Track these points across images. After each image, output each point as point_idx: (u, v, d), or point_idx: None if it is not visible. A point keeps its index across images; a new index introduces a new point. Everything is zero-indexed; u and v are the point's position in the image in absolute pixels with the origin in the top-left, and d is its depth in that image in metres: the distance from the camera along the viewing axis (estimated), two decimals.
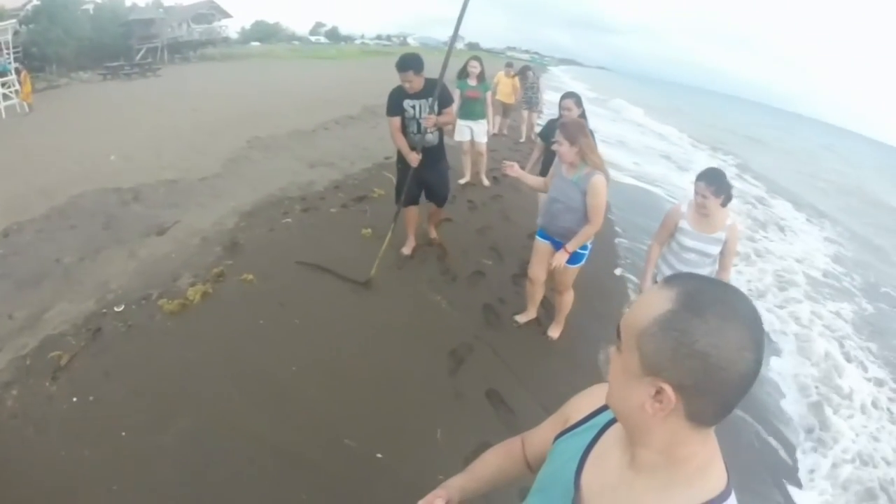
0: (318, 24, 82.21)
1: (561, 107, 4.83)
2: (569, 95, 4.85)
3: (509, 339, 4.39)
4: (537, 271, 4.29)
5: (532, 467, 1.33)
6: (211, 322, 4.21)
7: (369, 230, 5.70)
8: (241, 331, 4.12)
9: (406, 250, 5.53)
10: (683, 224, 3.64)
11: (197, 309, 4.36)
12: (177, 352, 3.89)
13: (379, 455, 3.14)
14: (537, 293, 4.53)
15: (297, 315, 4.32)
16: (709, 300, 0.80)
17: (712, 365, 0.77)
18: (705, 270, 3.63)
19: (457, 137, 7.53)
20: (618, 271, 6.19)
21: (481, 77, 7.45)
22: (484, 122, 7.57)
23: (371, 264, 4.98)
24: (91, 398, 3.51)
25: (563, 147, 3.67)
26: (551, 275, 4.16)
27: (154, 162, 8.51)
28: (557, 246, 4.00)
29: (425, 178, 4.98)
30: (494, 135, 11.36)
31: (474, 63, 7.38)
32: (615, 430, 1.02)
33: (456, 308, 4.68)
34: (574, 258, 3.98)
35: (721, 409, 0.83)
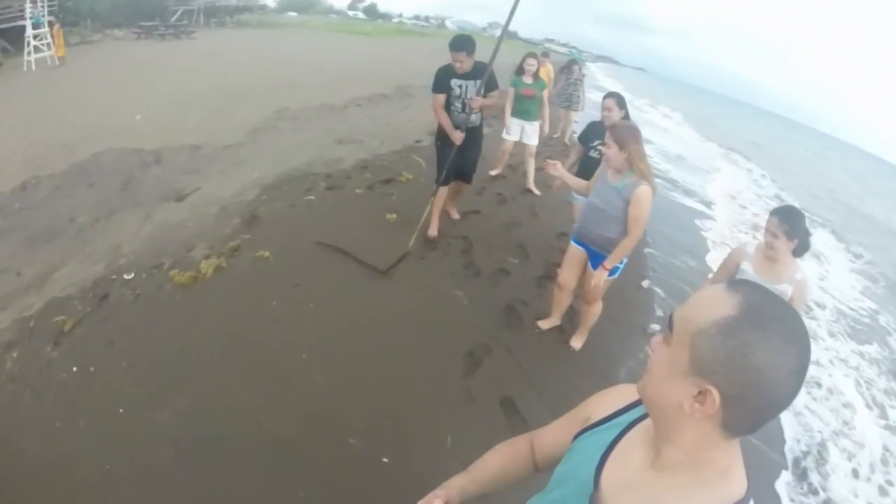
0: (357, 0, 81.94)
1: (602, 107, 4.57)
2: (610, 95, 4.58)
3: (529, 345, 4.16)
4: (567, 277, 4.06)
5: (539, 467, 1.33)
6: (221, 298, 4.05)
7: (394, 215, 5.49)
8: (252, 310, 3.95)
9: (432, 231, 5.48)
10: (745, 266, 3.22)
11: (208, 283, 4.20)
12: (183, 326, 3.75)
13: (385, 459, 2.96)
14: (564, 300, 4.30)
15: (312, 298, 4.13)
16: (773, 317, 0.80)
17: (764, 382, 0.78)
18: None
19: (505, 135, 7.21)
20: (645, 283, 5.93)
21: (537, 75, 7.01)
22: (537, 123, 7.16)
23: (393, 251, 4.81)
24: (92, 369, 3.41)
25: (610, 150, 3.44)
26: (580, 283, 3.95)
27: (179, 125, 8.38)
28: (592, 253, 3.81)
29: (463, 156, 5.02)
30: None
31: (531, 61, 6.92)
32: (640, 429, 1.02)
33: (476, 306, 4.46)
34: (609, 271, 3.75)
35: (754, 425, 0.83)
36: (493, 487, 1.36)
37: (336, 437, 3.07)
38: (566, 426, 1.23)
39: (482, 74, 4.60)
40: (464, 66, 4.64)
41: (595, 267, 3.77)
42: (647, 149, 3.73)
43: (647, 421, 0.99)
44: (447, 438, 3.16)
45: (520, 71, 6.98)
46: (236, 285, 4.21)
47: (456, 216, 5.97)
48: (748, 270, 3.15)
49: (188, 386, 3.28)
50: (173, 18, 29.35)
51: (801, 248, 3.03)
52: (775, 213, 3.01)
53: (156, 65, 14.27)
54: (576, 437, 1.14)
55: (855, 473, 4.33)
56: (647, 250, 6.94)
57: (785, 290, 3.00)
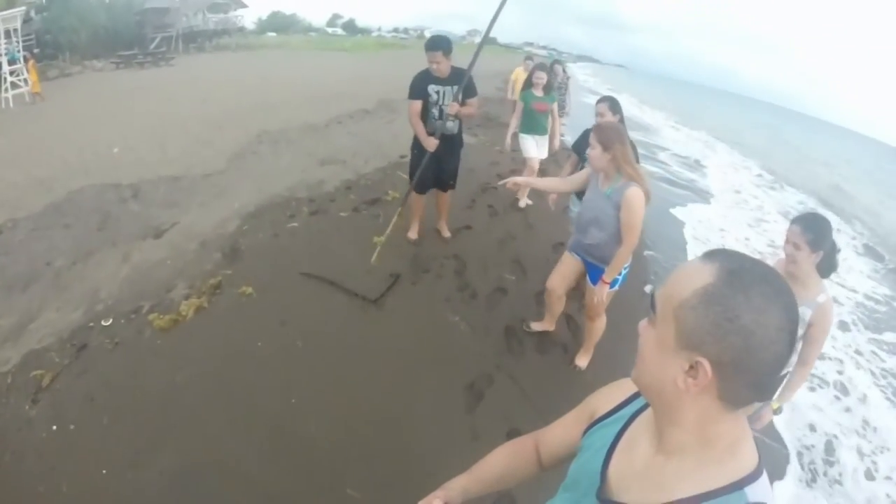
0: (336, 16, 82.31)
1: (595, 112, 4.33)
2: (604, 100, 4.33)
3: (532, 369, 3.94)
4: (556, 282, 3.87)
5: (545, 466, 1.33)
6: (204, 341, 3.82)
7: (382, 238, 5.27)
8: (237, 353, 3.71)
9: (412, 235, 5.50)
10: None
11: (189, 325, 3.97)
12: (165, 374, 3.50)
13: None
14: (555, 305, 4.10)
15: (299, 336, 3.90)
16: (753, 278, 0.79)
17: (753, 343, 0.77)
18: None
19: (526, 153, 6.83)
20: (648, 289, 5.72)
21: (548, 88, 6.60)
22: (547, 137, 6.84)
23: (383, 277, 4.59)
24: (72, 427, 3.17)
25: (594, 152, 3.25)
26: (582, 295, 3.75)
27: (158, 156, 8.15)
28: (589, 266, 3.62)
29: (440, 165, 4.92)
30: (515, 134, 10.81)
31: (540, 74, 6.48)
32: (643, 419, 1.02)
33: (475, 331, 4.24)
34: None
35: (753, 391, 0.83)
36: (497, 487, 1.37)
37: (333, 488, 2.84)
38: (571, 423, 1.23)
39: (461, 80, 4.46)
40: (441, 69, 4.49)
41: (594, 281, 3.59)
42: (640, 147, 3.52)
43: (650, 409, 0.97)
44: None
45: (527, 85, 6.63)
46: (219, 326, 3.97)
47: (447, 234, 5.76)
48: None
49: (173, 441, 3.05)
50: (152, 46, 29.25)
51: (826, 266, 2.63)
52: (797, 221, 2.64)
53: (134, 95, 14.05)
54: (585, 433, 1.14)
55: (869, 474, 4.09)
56: (647, 253, 6.74)
57: (803, 313, 2.59)
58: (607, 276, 3.45)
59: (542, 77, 6.42)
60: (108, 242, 5.32)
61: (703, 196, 11.96)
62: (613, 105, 4.27)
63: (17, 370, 3.64)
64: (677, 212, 9.84)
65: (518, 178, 3.60)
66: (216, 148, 8.71)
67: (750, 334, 0.76)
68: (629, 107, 21.81)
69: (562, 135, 8.10)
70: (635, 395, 1.08)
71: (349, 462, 2.99)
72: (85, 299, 4.41)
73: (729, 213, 11.24)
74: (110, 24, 27.45)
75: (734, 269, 0.80)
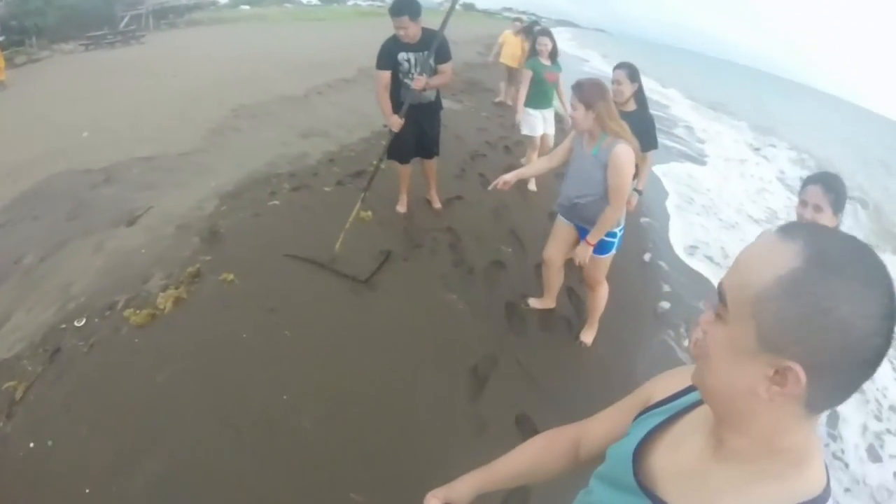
0: None
1: (612, 80, 4.00)
2: (621, 66, 4.01)
3: (537, 348, 3.74)
4: (552, 253, 3.71)
5: (582, 462, 1.19)
6: (185, 336, 3.54)
7: (369, 213, 4.99)
8: (221, 346, 3.45)
9: (401, 208, 5.29)
10: None
11: (168, 320, 3.69)
12: (145, 375, 3.23)
13: None
14: (553, 279, 3.93)
15: (287, 325, 3.64)
16: (846, 258, 0.65)
17: (853, 338, 0.63)
18: None
19: (526, 131, 6.30)
20: (647, 257, 5.50)
21: (554, 55, 6.02)
22: (553, 111, 6.31)
23: (373, 255, 4.35)
24: (50, 442, 2.92)
25: (577, 112, 3.07)
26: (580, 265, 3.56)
27: (130, 136, 7.74)
28: (582, 231, 3.43)
29: (420, 132, 4.73)
30: (499, 103, 10.41)
31: (545, 40, 5.90)
32: (699, 414, 0.89)
33: (474, 310, 4.01)
34: (602, 247, 3.39)
35: (844, 394, 0.69)
36: (520, 483, 1.27)
37: (334, 492, 2.64)
38: (623, 412, 1.10)
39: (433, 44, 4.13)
40: (409, 34, 4.18)
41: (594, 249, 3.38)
42: None
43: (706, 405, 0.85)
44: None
45: (533, 52, 6.10)
46: (200, 318, 3.70)
47: (438, 205, 5.51)
48: None
49: (158, 447, 2.80)
50: (122, 25, 28.25)
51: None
52: (816, 180, 2.40)
53: (104, 76, 13.47)
54: (636, 418, 1.03)
55: None
56: (643, 220, 6.50)
57: None
58: (591, 237, 3.27)
59: (546, 43, 5.91)
60: (79, 232, 5.00)
61: (695, 158, 11.72)
62: (632, 73, 3.98)
63: None
64: (658, 169, 9.58)
65: (506, 177, 3.37)
66: (191, 125, 8.30)
67: (849, 328, 0.63)
68: (605, 69, 21.37)
69: None
70: (693, 387, 0.92)
71: (349, 461, 2.78)
72: (57, 297, 4.13)
73: (720, 175, 11.03)
74: (78, 4, 26.45)
75: (823, 247, 0.66)
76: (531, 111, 6.03)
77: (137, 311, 3.72)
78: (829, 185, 2.33)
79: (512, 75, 10.27)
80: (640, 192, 4.44)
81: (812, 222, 2.28)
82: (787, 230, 0.71)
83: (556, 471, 1.23)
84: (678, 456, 0.88)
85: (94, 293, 4.08)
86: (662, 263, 5.50)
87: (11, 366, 3.48)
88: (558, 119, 6.73)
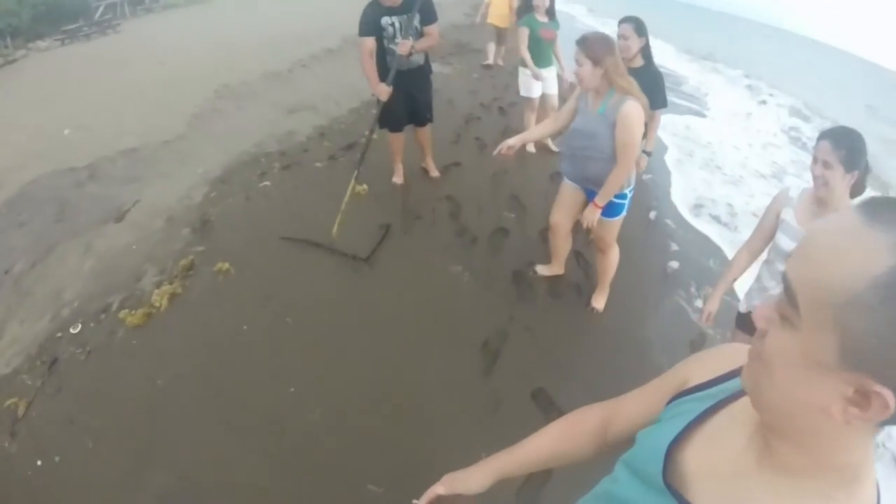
0: None
1: (617, 35, 3.73)
2: (627, 20, 3.75)
3: (548, 318, 3.60)
4: (559, 218, 3.54)
5: (610, 444, 1.08)
6: (183, 333, 3.42)
7: (364, 186, 4.79)
8: (221, 341, 3.33)
9: (397, 179, 5.11)
10: (786, 215, 2.39)
11: (165, 317, 3.56)
12: (145, 379, 3.12)
13: (415, 501, 2.41)
14: (560, 244, 3.77)
15: (288, 312, 3.51)
16: None
17: None
18: None
19: (523, 92, 5.84)
20: (652, 215, 5.30)
21: (552, 11, 5.50)
22: (555, 69, 5.83)
23: (372, 231, 4.22)
24: (57, 458, 2.82)
25: (583, 69, 2.89)
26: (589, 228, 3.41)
27: (112, 129, 7.49)
28: (588, 192, 3.28)
29: (411, 98, 4.52)
30: (488, 66, 10.04)
31: None
32: (743, 407, 0.74)
33: (481, 281, 3.85)
34: (611, 209, 3.22)
35: None
36: (545, 467, 1.19)
37: (350, 485, 2.53)
38: (655, 393, 0.97)
39: (417, 6, 3.96)
40: None
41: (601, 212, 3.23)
42: None
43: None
44: (481, 457, 2.59)
45: (527, 8, 5.58)
46: (197, 314, 3.56)
47: (435, 173, 5.31)
48: (789, 220, 2.37)
49: (165, 454, 2.71)
50: (97, 15, 27.66)
51: (858, 187, 2.23)
52: (827, 135, 2.18)
53: (82, 70, 13.10)
54: (669, 402, 0.90)
55: None
56: (645, 177, 6.29)
57: None
58: (599, 199, 3.10)
59: None
60: (67, 234, 4.84)
61: (695, 111, 11.38)
62: (639, 26, 3.73)
63: None
64: (674, 129, 9.29)
65: (510, 141, 3.20)
66: (174, 111, 8.05)
67: None
68: (593, 23, 20.71)
69: None
70: (737, 372, 0.79)
71: (363, 451, 2.68)
72: (50, 305, 4.00)
73: (721, 127, 10.64)
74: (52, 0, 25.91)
75: None
76: (526, 71, 5.67)
77: (133, 312, 3.59)
78: (838, 141, 2.14)
79: (500, 36, 9.80)
80: (648, 154, 4.23)
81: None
82: (877, 211, 0.55)
83: (583, 454, 1.12)
84: (714, 455, 0.75)
85: (87, 297, 3.95)
86: (669, 221, 5.32)
87: (10, 381, 3.38)
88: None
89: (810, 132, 10.94)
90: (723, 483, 0.72)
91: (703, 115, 11.17)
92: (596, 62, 2.84)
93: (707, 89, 14.11)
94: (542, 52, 5.56)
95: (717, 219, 6.12)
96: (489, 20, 9.27)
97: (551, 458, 1.15)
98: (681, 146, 8.54)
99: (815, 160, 2.19)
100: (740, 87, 15.36)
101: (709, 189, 7.02)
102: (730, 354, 0.88)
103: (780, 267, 2.37)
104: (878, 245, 0.52)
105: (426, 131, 4.98)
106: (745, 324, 2.64)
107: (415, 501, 1.15)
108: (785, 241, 2.36)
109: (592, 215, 3.16)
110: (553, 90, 5.90)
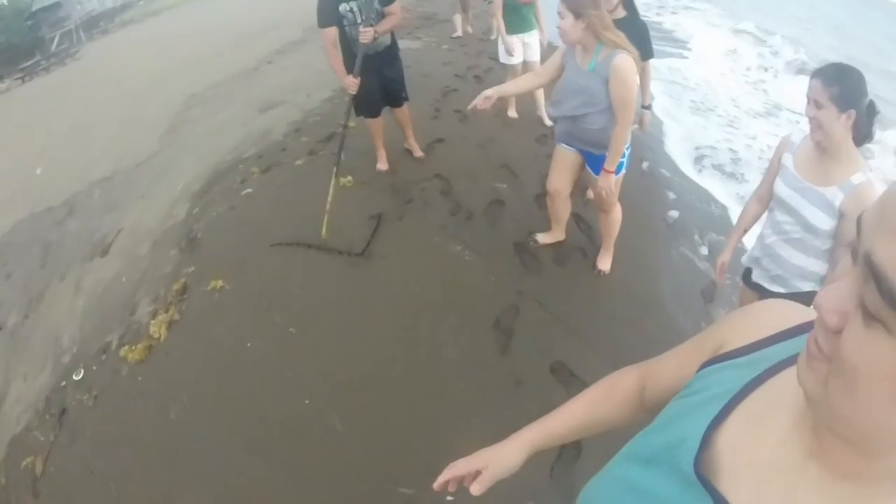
0: None
1: None
2: None
3: (556, 286, 3.50)
4: (558, 183, 3.41)
5: (648, 408, 0.97)
6: (187, 361, 3.31)
7: (349, 178, 4.64)
8: (227, 363, 3.21)
9: (381, 165, 4.93)
10: (787, 160, 2.24)
11: (166, 347, 3.45)
12: (157, 415, 3.02)
13: (449, 498, 2.31)
14: (560, 210, 3.65)
15: (290, 321, 3.39)
16: None
17: None
18: (802, 259, 2.24)
19: (503, 59, 5.64)
20: (645, 165, 5.14)
21: None
22: (536, 33, 5.52)
23: (363, 224, 4.09)
24: None
25: (565, 22, 2.76)
26: (584, 189, 3.30)
27: (84, 160, 7.40)
28: (588, 155, 3.16)
29: (384, 80, 4.39)
30: (457, 37, 9.78)
31: None
32: (789, 385, 0.58)
33: (482, 257, 3.73)
34: None
35: None
36: (582, 436, 1.08)
37: (380, 490, 2.45)
38: (690, 354, 0.86)
39: None
40: None
41: (597, 170, 3.12)
42: None
43: None
44: None
45: None
46: (199, 337, 3.45)
47: (419, 153, 5.15)
48: (788, 166, 2.21)
49: (192, 486, 2.63)
50: (53, 47, 27.36)
51: (862, 133, 2.00)
52: (817, 73, 2.00)
53: (46, 104, 12.94)
54: (701, 367, 0.78)
55: None
56: (633, 127, 6.15)
57: (833, 196, 2.02)
58: (609, 164, 2.99)
59: None
60: (55, 277, 4.74)
61: (676, 54, 11.09)
62: None
63: (7, 464, 3.24)
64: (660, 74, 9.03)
65: (487, 92, 3.01)
66: (144, 129, 7.89)
67: None
68: None
69: None
70: (786, 334, 0.71)
71: (389, 452, 2.59)
72: (49, 354, 3.93)
73: (707, 67, 10.33)
74: (3, 38, 25.52)
75: None
76: (509, 37, 5.44)
77: (133, 347, 3.49)
78: (829, 79, 1.95)
79: (464, 3, 9.55)
80: (648, 108, 4.08)
81: None
82: None
83: (620, 419, 1.05)
84: (753, 442, 0.63)
85: (85, 339, 3.88)
86: (663, 171, 5.18)
87: (23, 440, 3.33)
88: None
89: (809, 64, 10.33)
90: (762, 476, 0.60)
91: (685, 57, 10.91)
92: (578, 15, 2.71)
93: (683, 26, 13.81)
94: (520, 17, 5.32)
95: (720, 169, 5.94)
96: None
97: (586, 425, 1.07)
98: (670, 93, 8.35)
99: (808, 100, 2.02)
100: (717, 21, 14.99)
101: (705, 135, 6.83)
102: (774, 314, 0.76)
103: (779, 216, 2.26)
104: None
105: (404, 111, 4.82)
106: (751, 280, 2.53)
107: (449, 498, 1.08)
108: (782, 188, 2.23)
109: (608, 182, 3.06)
110: (535, 57, 5.63)
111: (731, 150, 6.40)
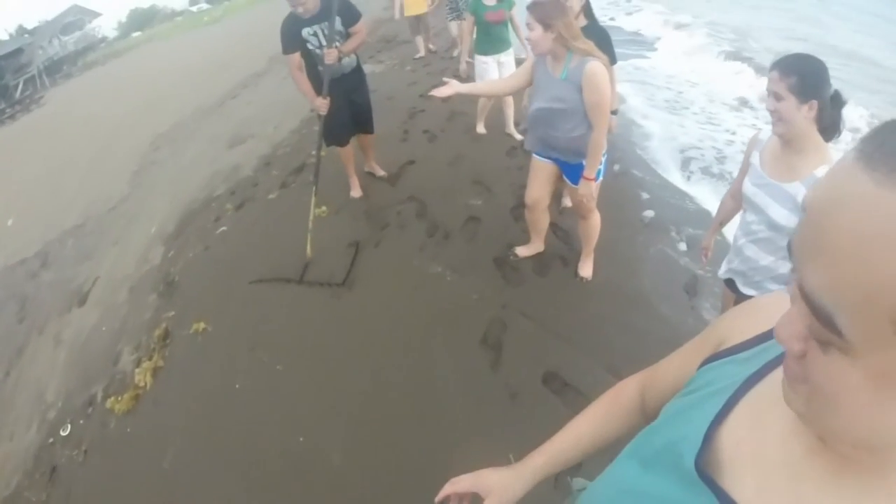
0: None
1: None
2: None
3: (540, 297, 3.50)
4: (537, 194, 3.43)
5: (651, 415, 0.94)
6: (176, 407, 3.26)
7: (323, 208, 4.63)
8: (217, 406, 3.17)
9: (354, 193, 4.92)
10: (754, 158, 2.17)
11: (153, 395, 3.40)
12: (150, 465, 2.96)
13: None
14: (540, 221, 3.67)
15: (277, 358, 3.36)
16: None
17: None
18: (770, 260, 2.17)
19: (479, 80, 5.40)
20: (616, 167, 5.18)
21: None
22: (512, 52, 5.37)
23: (342, 253, 4.08)
24: None
25: (534, 33, 2.78)
26: (559, 198, 3.31)
27: (55, 208, 7.29)
28: (564, 165, 3.18)
29: (352, 106, 4.40)
30: (420, 58, 9.75)
31: None
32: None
33: (464, 275, 3.73)
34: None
35: None
36: (591, 454, 1.05)
37: None
38: (691, 355, 0.85)
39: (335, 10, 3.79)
40: (308, 7, 3.81)
41: (574, 180, 3.14)
42: None
43: None
44: (509, 458, 2.49)
45: None
46: (186, 382, 3.41)
47: (382, 173, 5.18)
48: (755, 163, 2.15)
49: None
50: (17, 94, 27.11)
51: (827, 124, 1.93)
52: (775, 64, 1.92)
53: (13, 153, 12.74)
54: (702, 364, 0.78)
55: None
56: None
57: (797, 192, 1.95)
58: (589, 171, 3.01)
59: None
60: (34, 331, 4.66)
61: (641, 50, 11.22)
62: None
63: None
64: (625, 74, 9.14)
65: (453, 82, 2.93)
66: (113, 174, 7.82)
67: None
68: None
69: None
70: None
71: (393, 483, 2.55)
72: (34, 411, 3.85)
73: (673, 63, 10.40)
74: None
75: None
76: (482, 58, 5.34)
77: (119, 398, 3.44)
78: (786, 69, 1.88)
79: (423, 24, 9.43)
80: (615, 113, 4.10)
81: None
82: (878, 156, 0.41)
83: (626, 430, 1.03)
84: (756, 437, 0.62)
85: (69, 393, 3.81)
86: (636, 172, 5.22)
87: (15, 502, 3.23)
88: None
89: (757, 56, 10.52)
90: (767, 469, 0.60)
91: (647, 57, 11.03)
92: (547, 26, 2.75)
93: (646, 29, 13.97)
94: (492, 37, 5.21)
95: (708, 172, 5.92)
96: (407, 13, 8.94)
97: (593, 445, 1.05)
98: (640, 92, 8.41)
99: (768, 94, 1.96)
100: (676, 21, 15.11)
101: (686, 134, 6.84)
102: (773, 308, 0.74)
103: (748, 216, 2.22)
104: None
105: (371, 138, 4.86)
106: (731, 283, 2.46)
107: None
108: (748, 187, 2.18)
109: (588, 189, 3.07)
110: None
111: (714, 147, 6.41)
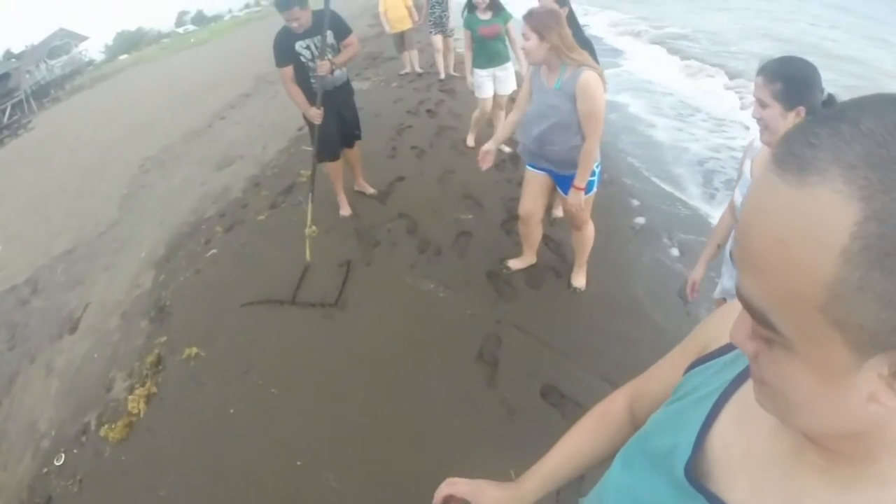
0: (182, 14, 77.29)
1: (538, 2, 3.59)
2: None
3: (533, 309, 3.51)
4: (530, 207, 3.44)
5: (641, 425, 0.87)
6: (171, 434, 3.23)
7: (313, 228, 4.62)
8: (212, 430, 3.14)
9: (344, 211, 4.93)
10: (746, 167, 2.12)
11: (147, 422, 3.36)
12: (147, 494, 2.91)
13: None
14: (533, 234, 3.70)
15: (271, 381, 3.34)
16: None
17: None
18: None
19: (477, 93, 5.56)
20: (604, 176, 5.18)
21: (495, 5, 5.10)
22: (510, 65, 5.40)
23: (333, 272, 4.06)
24: None
25: (529, 43, 2.84)
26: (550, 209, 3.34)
27: (44, 233, 7.23)
28: (557, 177, 3.20)
29: (341, 119, 4.44)
30: (405, 73, 9.75)
31: None
32: None
33: (457, 291, 3.73)
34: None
35: None
36: (586, 470, 1.04)
37: None
38: (678, 362, 0.85)
39: (327, 24, 3.83)
40: (302, 22, 3.88)
41: (567, 192, 3.15)
42: None
43: None
44: (510, 474, 2.47)
45: (469, 6, 5.19)
46: (180, 408, 3.37)
47: (371, 190, 5.20)
48: (746, 173, 2.09)
49: None
50: (5, 119, 27.01)
51: None
52: (761, 70, 1.84)
53: (2, 177, 12.69)
54: (688, 370, 0.79)
55: None
56: None
57: None
58: (579, 181, 3.03)
59: None
60: (24, 360, 4.60)
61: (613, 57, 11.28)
62: None
63: None
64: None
65: (486, 147, 3.25)
66: (102, 198, 7.79)
67: None
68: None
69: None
70: None
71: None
72: (27, 441, 3.78)
73: (646, 70, 10.45)
74: None
75: (875, 161, 0.38)
76: (478, 71, 5.40)
77: (113, 426, 3.39)
78: (771, 75, 1.79)
79: (408, 40, 9.42)
80: None
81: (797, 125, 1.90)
82: (788, 158, 0.42)
83: (617, 444, 0.96)
84: (744, 436, 0.63)
85: (62, 422, 3.75)
86: (626, 180, 5.25)
87: None
88: None
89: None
90: (758, 468, 0.61)
91: (618, 66, 11.09)
92: (542, 36, 2.79)
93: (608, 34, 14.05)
94: (488, 51, 5.25)
95: (730, 186, 5.60)
96: (393, 29, 8.99)
97: (585, 462, 1.04)
98: (638, 99, 8.44)
99: (754, 101, 1.90)
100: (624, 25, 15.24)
101: (700, 143, 6.75)
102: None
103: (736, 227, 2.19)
104: (823, 206, 0.39)
105: (356, 151, 4.88)
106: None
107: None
108: (738, 197, 2.14)
109: (579, 199, 3.10)
110: (505, 90, 5.54)
111: (733, 157, 6.23)
